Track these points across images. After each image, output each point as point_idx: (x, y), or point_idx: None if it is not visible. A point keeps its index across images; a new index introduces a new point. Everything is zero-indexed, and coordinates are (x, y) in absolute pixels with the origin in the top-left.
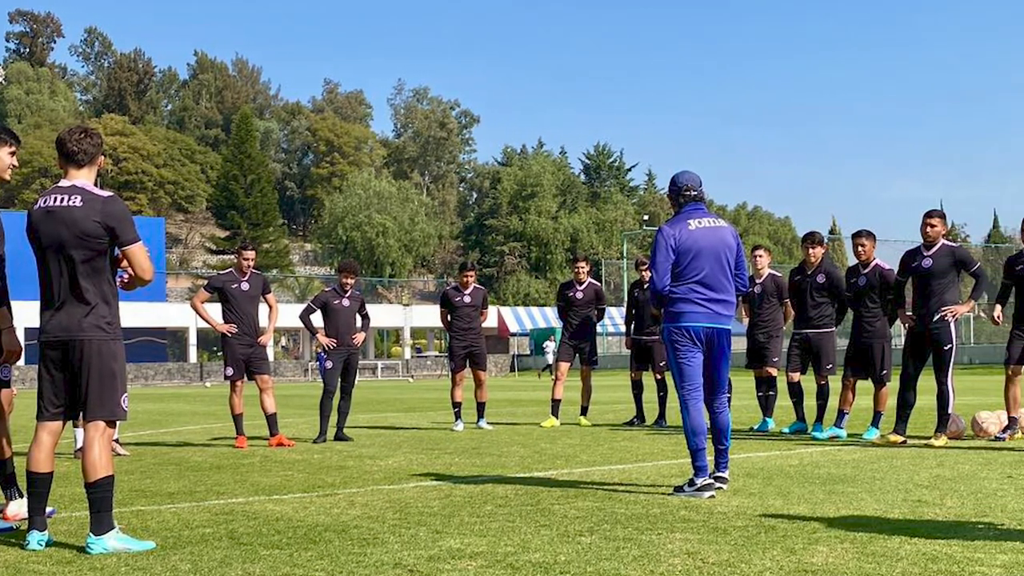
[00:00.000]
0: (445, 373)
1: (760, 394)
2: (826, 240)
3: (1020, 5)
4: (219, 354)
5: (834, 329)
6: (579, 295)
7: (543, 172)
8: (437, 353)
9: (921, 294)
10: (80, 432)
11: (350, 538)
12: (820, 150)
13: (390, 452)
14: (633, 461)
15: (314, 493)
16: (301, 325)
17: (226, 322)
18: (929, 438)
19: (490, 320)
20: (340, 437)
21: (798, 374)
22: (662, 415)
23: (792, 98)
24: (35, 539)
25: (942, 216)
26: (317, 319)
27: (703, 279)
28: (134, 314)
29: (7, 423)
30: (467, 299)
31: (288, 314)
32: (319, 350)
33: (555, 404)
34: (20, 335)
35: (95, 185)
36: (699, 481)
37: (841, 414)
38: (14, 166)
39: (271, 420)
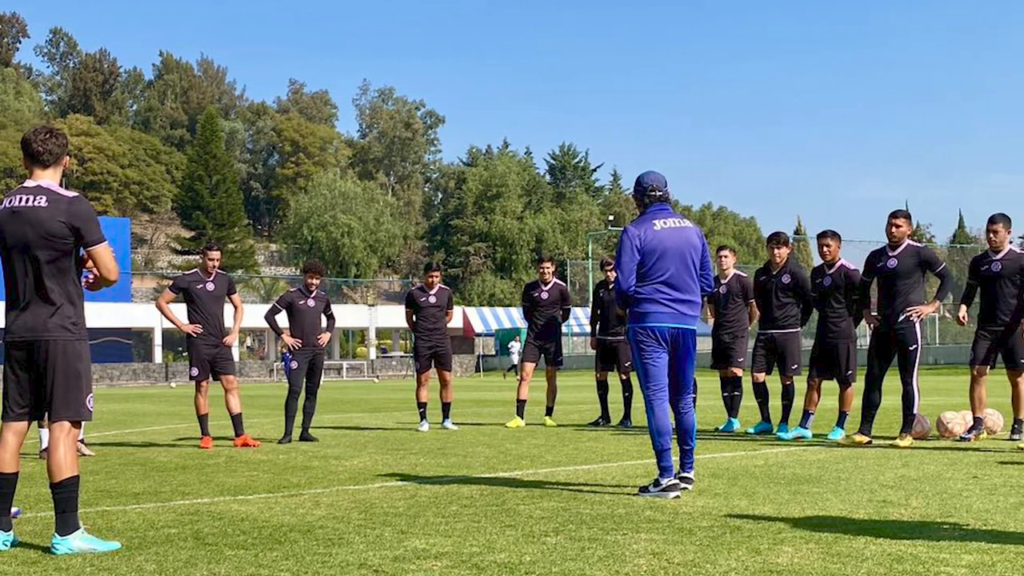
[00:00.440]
0: (410, 373)
1: (725, 394)
2: (791, 240)
3: (985, 7)
4: (184, 354)
5: (799, 329)
6: (544, 295)
7: (508, 172)
8: (402, 353)
9: (886, 294)
10: (45, 432)
11: (315, 538)
12: (786, 150)
13: (355, 452)
14: (598, 461)
15: (279, 493)
16: (266, 325)
17: (191, 322)
18: (894, 438)
19: (455, 320)
20: (305, 437)
21: (763, 374)
22: (627, 415)
23: (758, 99)
24: (0, 539)
25: (907, 216)
26: (282, 319)
27: (668, 279)
28: (99, 314)
29: None
30: (432, 299)
31: (253, 314)
32: (284, 350)
33: (520, 404)
34: None
35: (60, 185)
36: (664, 481)
37: (806, 414)
38: None
39: (236, 420)
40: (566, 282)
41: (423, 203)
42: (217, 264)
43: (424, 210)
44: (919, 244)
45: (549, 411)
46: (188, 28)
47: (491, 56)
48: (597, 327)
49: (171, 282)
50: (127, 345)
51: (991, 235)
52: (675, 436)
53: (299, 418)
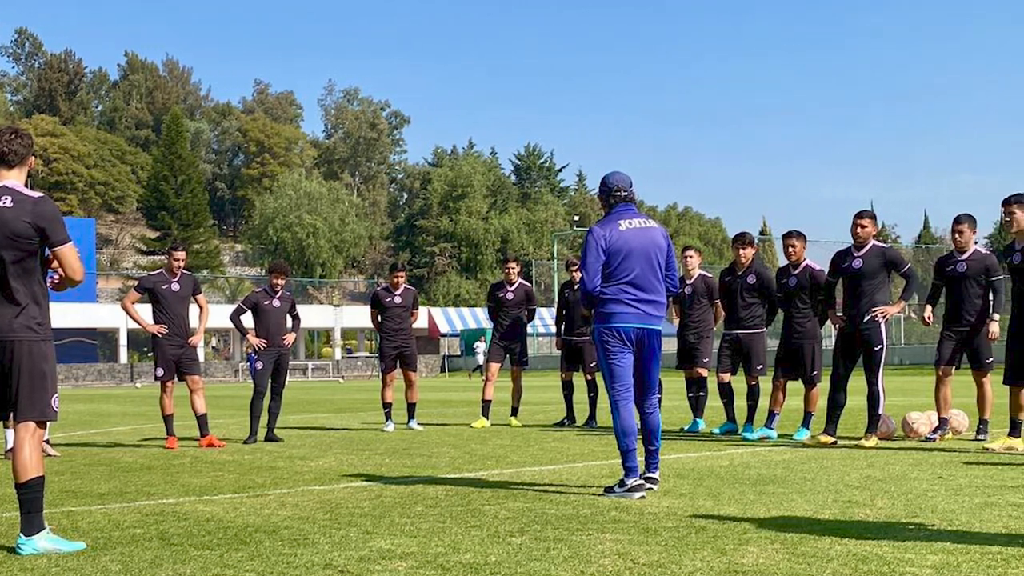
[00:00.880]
0: (376, 374)
1: (691, 395)
2: (757, 241)
3: (952, 7)
4: (150, 355)
5: (764, 330)
6: (509, 296)
7: (473, 173)
8: (368, 354)
9: (852, 295)
10: (11, 433)
11: (280, 539)
12: (751, 151)
13: (321, 453)
14: (564, 462)
15: (244, 494)
16: (232, 326)
17: (157, 323)
18: (860, 439)
19: (420, 321)
20: (270, 438)
21: (728, 375)
22: (592, 416)
23: (723, 99)
24: None
25: (872, 217)
26: (248, 320)
27: (633, 280)
28: (64, 315)
29: None
30: (397, 300)
31: (219, 315)
32: (249, 351)
33: (485, 405)
34: None
35: (26, 186)
36: (629, 482)
37: (772, 415)
38: None
39: (201, 421)
40: (531, 282)
41: (388, 203)
42: (182, 264)
43: (389, 210)
44: (884, 244)
45: (514, 411)
46: (153, 28)
47: (456, 56)
48: (562, 327)
49: (136, 282)
50: (92, 345)
51: (956, 235)
52: (640, 436)
53: (264, 418)
